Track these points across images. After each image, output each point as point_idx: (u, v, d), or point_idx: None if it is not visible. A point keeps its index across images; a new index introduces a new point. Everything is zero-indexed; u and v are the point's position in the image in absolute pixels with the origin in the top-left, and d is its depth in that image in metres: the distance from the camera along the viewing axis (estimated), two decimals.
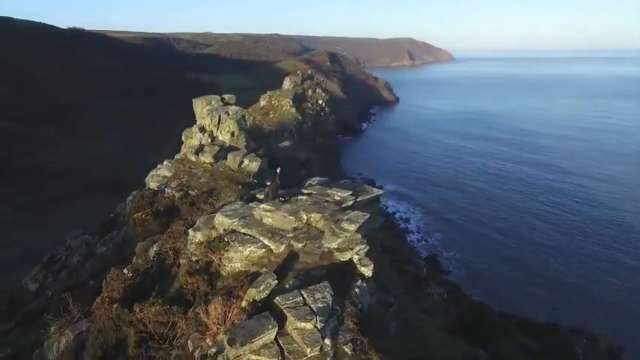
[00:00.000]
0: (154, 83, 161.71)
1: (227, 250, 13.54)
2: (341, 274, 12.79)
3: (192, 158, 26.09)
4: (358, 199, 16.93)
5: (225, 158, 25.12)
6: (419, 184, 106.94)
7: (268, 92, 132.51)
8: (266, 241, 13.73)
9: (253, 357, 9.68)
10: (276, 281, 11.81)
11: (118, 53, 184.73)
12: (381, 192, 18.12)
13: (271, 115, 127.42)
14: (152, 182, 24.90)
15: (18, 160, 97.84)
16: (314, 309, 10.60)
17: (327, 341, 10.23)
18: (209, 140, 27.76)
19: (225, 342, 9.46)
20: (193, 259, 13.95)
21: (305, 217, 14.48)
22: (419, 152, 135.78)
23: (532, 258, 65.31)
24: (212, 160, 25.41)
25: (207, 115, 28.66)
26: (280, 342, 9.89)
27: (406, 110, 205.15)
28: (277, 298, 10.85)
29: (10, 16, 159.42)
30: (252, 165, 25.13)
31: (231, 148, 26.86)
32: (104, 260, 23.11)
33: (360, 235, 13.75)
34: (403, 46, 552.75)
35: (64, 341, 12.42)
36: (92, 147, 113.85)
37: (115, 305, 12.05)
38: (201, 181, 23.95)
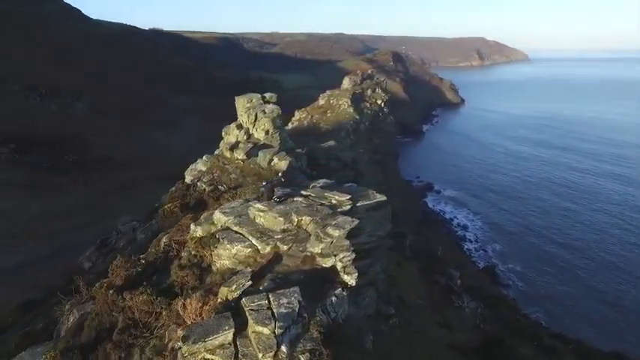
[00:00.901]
0: (222, 81, 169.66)
1: (216, 247, 13.76)
2: (321, 280, 12.37)
3: (227, 154, 26.92)
4: (358, 204, 16.26)
5: (257, 155, 25.65)
6: (480, 191, 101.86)
7: (327, 91, 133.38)
8: (254, 241, 13.70)
9: (208, 356, 9.62)
10: (250, 282, 11.71)
11: (191, 52, 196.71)
12: (384, 198, 17.24)
13: (328, 114, 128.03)
14: (188, 176, 26.13)
15: (96, 150, 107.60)
16: (275, 314, 10.32)
17: (284, 348, 9.90)
18: (245, 137, 28.47)
19: (180, 338, 9.59)
20: (192, 252, 14.38)
21: (295, 220, 14.21)
22: (482, 158, 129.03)
23: (603, 281, 59.22)
24: (244, 157, 26.01)
25: (245, 112, 29.40)
26: (238, 344, 9.80)
27: (471, 113, 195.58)
28: (244, 299, 10.77)
29: (99, 18, 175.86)
30: (282, 163, 25.30)
31: (265, 146, 27.29)
32: (141, 247, 24.61)
33: (347, 242, 13.17)
34: (472, 46, 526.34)
35: (71, 320, 13.40)
36: (163, 139, 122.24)
37: (111, 291, 12.78)
38: (232, 176, 24.62)
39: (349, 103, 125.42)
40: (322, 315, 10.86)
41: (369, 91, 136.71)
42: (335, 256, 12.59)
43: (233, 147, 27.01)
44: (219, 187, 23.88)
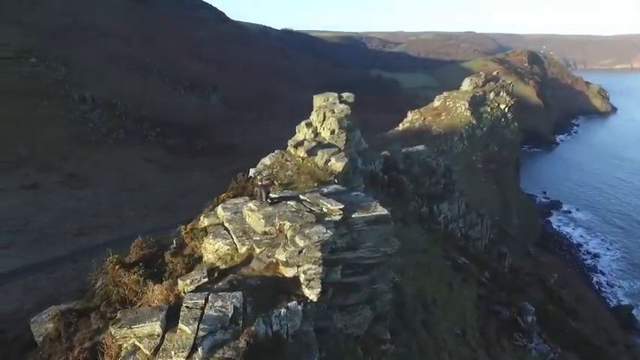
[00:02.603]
0: (342, 79, 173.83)
1: (203, 241, 13.97)
2: (276, 290, 11.56)
3: (292, 151, 27.33)
4: (354, 216, 14.67)
5: (317, 154, 25.52)
6: (623, 219, 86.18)
7: (444, 92, 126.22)
8: (235, 240, 13.52)
9: (137, 343, 9.88)
10: (206, 279, 11.59)
11: (317, 51, 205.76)
12: (384, 212, 15.19)
13: (442, 117, 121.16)
14: (252, 169, 27.33)
15: (222, 137, 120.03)
16: (203, 315, 10.05)
17: (200, 351, 9.56)
18: (312, 136, 28.53)
19: (113, 320, 9.98)
20: (185, 242, 14.92)
21: (278, 224, 13.57)
22: (629, 180, 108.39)
23: None
24: (305, 155, 26.07)
25: (316, 111, 29.48)
26: (166, 337, 9.79)
27: (623, 124, 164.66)
28: (186, 295, 10.69)
29: (240, 20, 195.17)
30: (338, 164, 24.65)
31: (330, 146, 26.99)
32: None
33: (319, 254, 12.00)
34: (634, 44, 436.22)
35: (97, 285, 15.19)
36: (282, 133, 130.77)
37: (117, 266, 14.05)
38: (287, 173, 24.91)
39: (467, 106, 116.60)
40: (262, 326, 10.21)
41: (491, 94, 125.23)
42: (299, 266, 11.76)
43: (298, 144, 27.32)
44: (275, 182, 24.43)
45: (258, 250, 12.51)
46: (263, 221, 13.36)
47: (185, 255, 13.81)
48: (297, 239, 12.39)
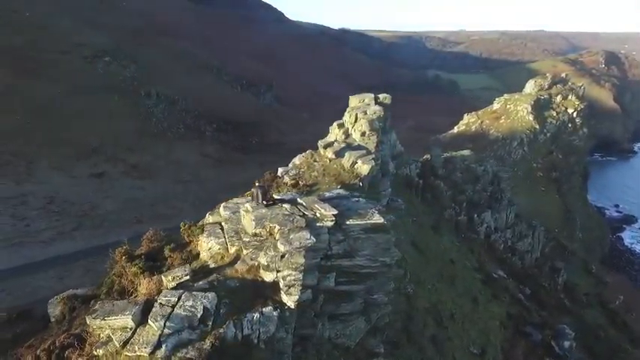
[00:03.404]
0: (397, 79, 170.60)
1: (199, 238, 14.11)
2: (254, 293, 11.27)
3: (321, 152, 27.10)
4: (349, 222, 13.89)
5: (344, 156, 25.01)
6: None
7: (505, 95, 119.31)
8: (226, 240, 13.49)
9: (111, 334, 10.15)
10: (188, 277, 11.63)
11: (373, 50, 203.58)
12: (381, 220, 14.16)
13: (502, 121, 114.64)
14: (280, 167, 27.48)
15: (273, 135, 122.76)
16: (172, 313, 10.05)
17: (163, 348, 9.60)
18: (343, 137, 28.04)
19: (90, 310, 10.33)
20: (183, 237, 15.22)
21: (268, 226, 13.26)
22: None
23: None
24: (333, 156, 25.61)
25: (349, 112, 28.92)
26: (137, 331, 9.97)
27: None
28: (163, 292, 10.79)
29: (298, 20, 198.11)
30: (364, 167, 23.95)
31: (359, 148, 26.34)
32: None
33: (302, 260, 11.51)
34: None
35: (108, 275, 16.06)
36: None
37: (124, 257, 14.68)
38: (313, 174, 24.66)
39: (529, 109, 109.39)
40: (232, 329, 10.05)
41: (558, 98, 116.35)
42: (278, 271, 11.43)
43: (327, 145, 27.02)
44: (300, 182, 24.39)
45: (245, 252, 12.49)
46: (254, 223, 13.33)
47: (185, 251, 14.16)
48: (279, 243, 12.20)
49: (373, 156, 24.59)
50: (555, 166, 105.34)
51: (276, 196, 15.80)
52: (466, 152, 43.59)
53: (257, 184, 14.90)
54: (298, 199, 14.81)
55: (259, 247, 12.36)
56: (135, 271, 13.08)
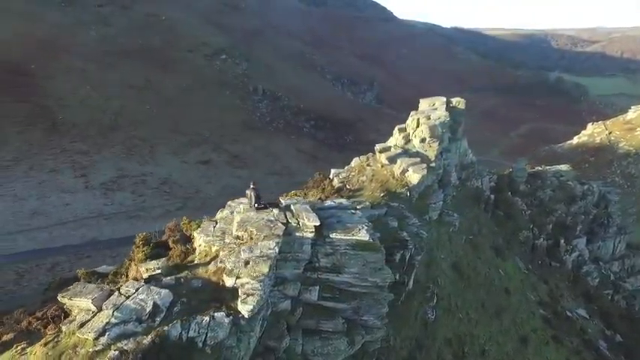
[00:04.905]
0: (510, 80, 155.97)
1: (194, 234, 14.32)
2: (212, 297, 10.83)
3: (377, 156, 25.87)
4: (332, 235, 12.43)
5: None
6: None
7: None
8: (212, 239, 13.40)
9: (76, 314, 11.05)
10: (160, 270, 11.79)
11: (488, 50, 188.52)
12: (366, 238, 12.24)
13: (637, 133, 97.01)
14: (333, 169, 26.92)
15: (369, 134, 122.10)
16: (123, 304, 10.33)
17: (106, 336, 9.92)
18: (402, 142, 26.26)
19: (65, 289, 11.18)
20: (184, 231, 15.63)
21: (249, 230, 12.66)
22: None
23: None
24: (386, 162, 24.13)
25: (412, 116, 26.95)
26: (97, 315, 10.54)
27: None
28: (129, 281, 11.14)
29: (407, 19, 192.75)
30: (414, 176, 22.04)
31: (417, 155, 24.37)
32: None
33: (265, 270, 10.68)
34: None
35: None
36: None
37: (142, 242, 15.71)
38: (362, 179, 23.58)
39: None
40: (178, 329, 9.93)
41: None
42: (239, 277, 10.92)
43: (384, 150, 25.69)
44: (346, 186, 23.67)
45: (222, 253, 12.52)
46: (236, 225, 13.25)
47: (188, 244, 14.73)
48: (241, 249, 11.91)
49: (430, 165, 22.71)
50: None
51: (282, 200, 15.55)
52: (564, 167, 37.47)
53: (252, 186, 14.87)
54: (291, 206, 14.34)
55: (235, 250, 12.34)
56: (140, 257, 14.10)
